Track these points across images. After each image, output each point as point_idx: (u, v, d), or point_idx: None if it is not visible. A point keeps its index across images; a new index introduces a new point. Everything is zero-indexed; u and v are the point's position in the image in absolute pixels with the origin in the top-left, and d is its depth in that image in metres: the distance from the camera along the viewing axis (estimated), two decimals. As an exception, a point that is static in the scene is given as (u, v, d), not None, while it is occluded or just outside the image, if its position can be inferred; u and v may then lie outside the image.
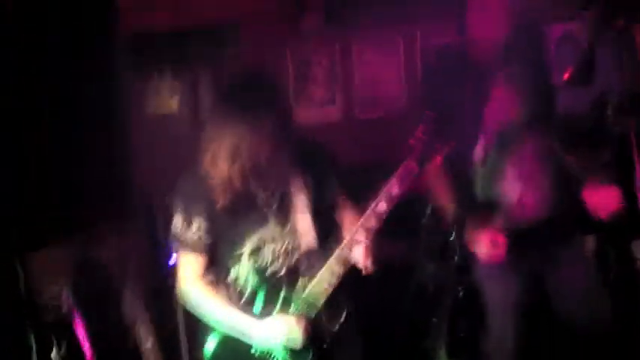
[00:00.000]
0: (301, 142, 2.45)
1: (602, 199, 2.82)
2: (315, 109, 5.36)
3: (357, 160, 4.15)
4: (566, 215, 3.00)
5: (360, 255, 2.42)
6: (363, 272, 2.45)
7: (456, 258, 3.95)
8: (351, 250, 2.41)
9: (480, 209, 3.02)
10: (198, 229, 2.45)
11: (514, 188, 2.95)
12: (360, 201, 2.52)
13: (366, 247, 2.40)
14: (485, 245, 2.94)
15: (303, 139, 2.47)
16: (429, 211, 4.15)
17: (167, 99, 5.19)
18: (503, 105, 2.90)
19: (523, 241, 2.94)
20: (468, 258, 3.09)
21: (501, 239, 2.92)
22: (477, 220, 3.00)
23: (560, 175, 3.00)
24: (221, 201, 2.40)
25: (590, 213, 2.85)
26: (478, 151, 2.97)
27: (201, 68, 5.16)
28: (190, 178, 2.46)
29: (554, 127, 3.05)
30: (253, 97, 2.34)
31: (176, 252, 2.54)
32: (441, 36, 5.40)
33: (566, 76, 5.25)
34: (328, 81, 5.36)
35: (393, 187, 2.40)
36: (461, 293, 3.99)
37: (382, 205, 2.40)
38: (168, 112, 5.17)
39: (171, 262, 3.10)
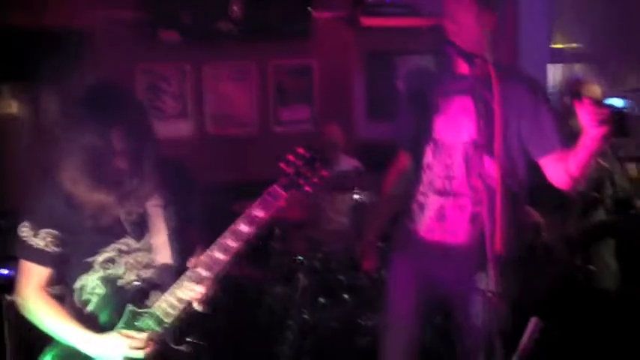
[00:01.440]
0: (160, 157, 2.37)
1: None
2: (166, 123, 5.26)
3: (209, 175, 4.08)
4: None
5: (198, 287, 2.35)
6: (196, 306, 2.39)
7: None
8: (202, 271, 2.34)
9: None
10: (45, 238, 2.33)
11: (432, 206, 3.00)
12: (217, 219, 2.47)
13: (206, 280, 2.34)
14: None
15: (163, 154, 2.39)
16: (278, 234, 4.17)
17: (7, 101, 4.95)
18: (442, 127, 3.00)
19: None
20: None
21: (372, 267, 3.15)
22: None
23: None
24: (75, 212, 2.30)
25: None
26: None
27: (46, 73, 4.93)
28: (42, 185, 2.35)
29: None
30: (109, 108, 2.25)
31: (19, 259, 2.38)
32: (294, 59, 5.52)
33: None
34: (180, 95, 5.29)
35: (257, 210, 2.35)
36: (306, 316, 4.04)
37: (244, 227, 2.34)
38: (8, 115, 4.93)
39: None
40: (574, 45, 5.85)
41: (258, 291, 4.25)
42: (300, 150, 2.40)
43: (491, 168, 2.79)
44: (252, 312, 4.23)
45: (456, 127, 2.93)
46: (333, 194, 4.49)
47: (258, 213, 2.34)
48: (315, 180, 2.40)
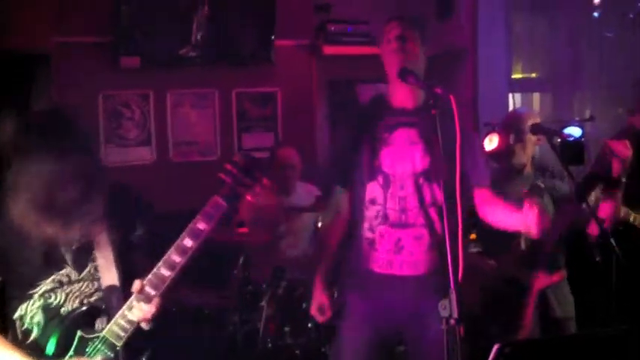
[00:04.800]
0: (109, 183, 2.35)
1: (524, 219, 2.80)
2: (128, 150, 5.23)
3: (172, 202, 4.07)
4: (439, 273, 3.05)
5: (147, 307, 2.33)
6: (143, 326, 2.36)
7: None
8: (150, 290, 2.32)
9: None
10: None
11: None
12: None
13: (154, 299, 2.33)
14: (314, 308, 3.13)
15: (110, 179, 2.37)
16: (241, 261, 4.15)
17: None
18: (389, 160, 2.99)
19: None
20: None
21: (327, 309, 3.09)
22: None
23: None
24: (17, 242, 2.26)
25: None
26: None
27: (6, 98, 4.87)
28: None
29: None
30: (55, 136, 2.23)
31: None
32: (257, 86, 5.54)
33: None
34: (143, 122, 5.26)
35: (199, 223, 2.32)
36: (269, 345, 4.02)
37: (187, 241, 2.31)
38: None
39: None
40: (532, 75, 5.95)
41: (221, 319, 4.22)
42: (236, 158, 2.38)
43: (440, 196, 2.86)
44: (213, 341, 4.19)
45: (404, 159, 2.96)
46: (294, 220, 4.49)
47: (201, 226, 2.31)
48: (258, 189, 2.40)
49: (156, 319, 2.36)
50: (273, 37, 5.30)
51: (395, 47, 2.96)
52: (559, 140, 3.51)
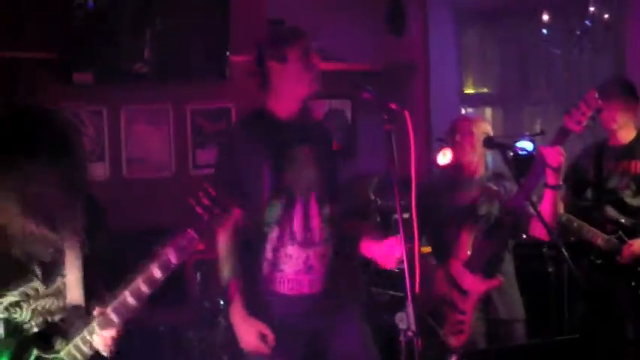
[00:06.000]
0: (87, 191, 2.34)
1: (387, 251, 2.94)
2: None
3: (126, 220, 4.03)
4: (340, 286, 3.10)
5: (108, 333, 2.30)
6: (104, 352, 2.33)
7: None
8: (114, 316, 2.29)
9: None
10: None
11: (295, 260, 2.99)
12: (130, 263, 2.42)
13: (117, 326, 2.30)
14: (251, 340, 2.94)
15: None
16: (198, 277, 4.13)
17: None
18: (291, 178, 2.97)
19: (299, 320, 2.99)
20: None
21: (269, 334, 2.93)
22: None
23: (338, 242, 3.10)
24: None
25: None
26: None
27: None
28: None
29: (335, 200, 3.15)
30: (39, 135, 2.20)
31: None
32: (212, 101, 5.52)
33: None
34: (97, 138, 5.20)
35: (171, 255, 2.28)
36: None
37: (157, 272, 2.28)
38: None
39: None
40: (484, 90, 6.05)
41: (177, 336, 4.19)
42: (210, 190, 2.34)
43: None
44: (169, 358, 4.16)
45: (305, 178, 3.00)
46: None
47: (173, 259, 2.28)
48: (226, 220, 2.39)
49: (116, 344, 2.33)
50: (227, 53, 5.29)
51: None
52: (511, 154, 3.59)
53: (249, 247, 3.00)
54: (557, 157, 3.15)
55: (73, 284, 2.34)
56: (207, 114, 5.56)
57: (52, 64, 4.96)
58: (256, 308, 2.97)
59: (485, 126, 3.74)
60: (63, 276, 2.34)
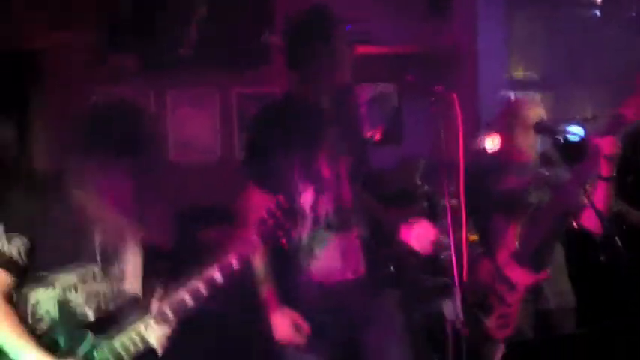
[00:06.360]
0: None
1: (418, 234, 2.90)
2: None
3: (173, 203, 4.05)
4: (376, 272, 3.06)
5: (162, 328, 2.32)
6: (156, 345, 2.34)
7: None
8: (169, 313, 2.31)
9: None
10: (19, 248, 2.28)
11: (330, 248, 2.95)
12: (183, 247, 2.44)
13: (171, 322, 2.32)
14: (285, 330, 2.86)
15: None
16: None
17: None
18: (323, 163, 2.92)
19: (333, 310, 2.92)
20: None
21: (303, 323, 2.85)
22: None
23: (372, 229, 3.05)
24: (56, 225, 2.28)
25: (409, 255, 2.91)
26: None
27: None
28: (25, 192, 2.32)
29: (368, 183, 3.11)
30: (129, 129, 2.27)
31: None
32: (257, 86, 5.51)
33: (377, 135, 5.49)
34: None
35: (233, 259, 2.32)
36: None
37: (218, 276, 2.31)
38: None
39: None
40: (532, 74, 5.93)
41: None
42: (281, 200, 2.36)
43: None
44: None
45: (337, 162, 2.93)
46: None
47: (234, 263, 2.31)
48: (294, 233, 2.39)
49: (169, 340, 2.35)
50: (271, 37, 5.28)
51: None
52: (561, 139, 3.50)
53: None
54: (611, 148, 3.05)
55: (131, 274, 2.39)
56: (252, 97, 5.56)
57: (99, 48, 5.00)
58: (290, 297, 2.91)
59: (539, 110, 3.58)
60: (122, 264, 2.37)
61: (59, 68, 4.92)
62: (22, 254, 2.28)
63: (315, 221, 2.89)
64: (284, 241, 2.37)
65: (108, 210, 2.27)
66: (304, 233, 2.89)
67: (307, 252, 2.90)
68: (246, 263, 2.34)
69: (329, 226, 2.90)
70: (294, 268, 2.91)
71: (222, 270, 2.30)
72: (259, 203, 2.79)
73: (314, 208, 2.89)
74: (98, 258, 2.34)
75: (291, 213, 2.36)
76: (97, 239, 2.34)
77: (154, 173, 2.31)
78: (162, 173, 2.36)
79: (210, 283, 2.30)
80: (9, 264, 2.28)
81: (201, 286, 2.30)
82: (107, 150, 2.22)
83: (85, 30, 4.95)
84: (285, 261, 2.90)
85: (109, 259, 2.36)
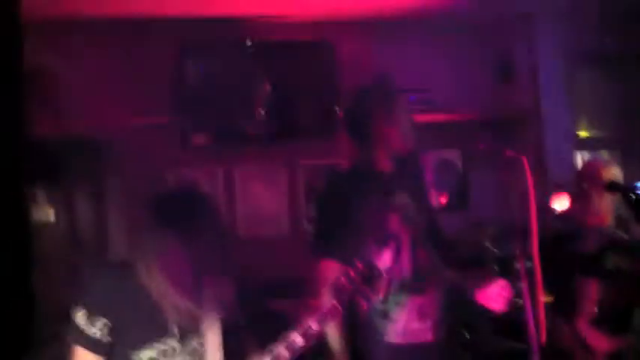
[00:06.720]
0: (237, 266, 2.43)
1: (495, 293, 2.88)
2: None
3: (243, 277, 4.10)
4: (452, 335, 3.05)
5: None
6: None
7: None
8: None
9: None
10: (102, 328, 2.35)
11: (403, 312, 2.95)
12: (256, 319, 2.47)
13: None
14: None
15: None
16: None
17: (43, 208, 5.03)
18: (397, 225, 2.95)
19: None
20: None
21: None
22: None
23: (446, 291, 3.05)
24: (133, 305, 2.35)
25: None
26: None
27: (79, 180, 5.04)
28: (104, 276, 2.41)
29: (439, 249, 3.12)
30: (196, 216, 2.33)
31: (72, 344, 2.40)
32: (324, 158, 5.58)
33: (443, 200, 5.48)
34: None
35: (314, 324, 2.36)
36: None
37: (299, 340, 2.35)
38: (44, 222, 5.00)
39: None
40: (599, 133, 5.89)
41: None
42: (360, 265, 2.40)
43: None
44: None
45: (408, 224, 2.96)
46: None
47: (314, 327, 2.36)
48: (373, 296, 2.42)
49: None
50: (337, 109, 5.35)
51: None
52: (633, 196, 3.44)
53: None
54: None
55: (212, 347, 2.42)
56: (320, 170, 5.63)
57: (170, 127, 5.15)
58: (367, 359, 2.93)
59: (614, 170, 3.55)
60: (200, 337, 2.42)
61: (136, 152, 5.07)
62: (106, 335, 2.35)
63: (392, 284, 2.91)
64: (365, 306, 2.39)
65: (174, 289, 2.32)
66: (381, 296, 2.90)
67: (382, 316, 2.91)
68: (325, 326, 2.37)
69: (406, 289, 2.91)
70: (371, 333, 2.92)
71: (303, 334, 2.34)
72: (333, 274, 2.88)
73: (390, 271, 2.91)
74: (176, 333, 2.40)
75: (370, 277, 2.39)
76: (172, 316, 2.39)
77: (219, 252, 2.37)
78: (228, 253, 2.41)
79: (293, 349, 2.34)
80: (94, 345, 2.35)
81: (284, 352, 2.34)
82: (172, 232, 2.29)
83: (158, 113, 5.11)
84: (362, 327, 2.92)
85: (187, 334, 2.41)
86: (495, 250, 4.40)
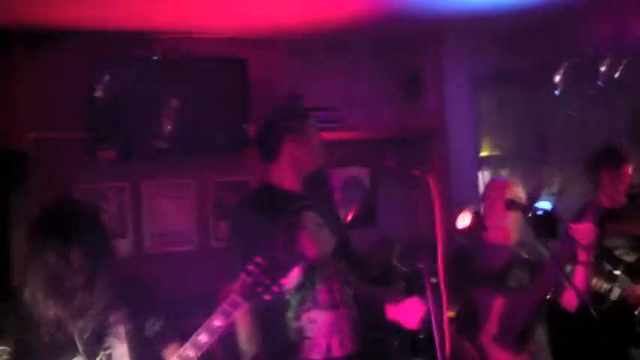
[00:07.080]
0: (119, 273, 2.42)
1: (408, 310, 2.96)
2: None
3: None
4: (363, 350, 3.09)
5: None
6: None
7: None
8: None
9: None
10: (1, 356, 2.32)
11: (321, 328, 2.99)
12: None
13: None
14: None
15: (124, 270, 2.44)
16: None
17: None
18: (307, 243, 2.98)
19: None
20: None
21: None
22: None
23: (358, 308, 3.11)
24: (32, 329, 2.33)
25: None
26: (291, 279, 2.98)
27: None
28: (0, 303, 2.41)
29: (351, 266, 3.18)
30: (66, 228, 2.32)
31: None
32: (232, 174, 5.57)
33: (349, 216, 5.55)
34: (119, 214, 5.26)
35: (216, 320, 2.40)
36: None
37: (203, 337, 2.39)
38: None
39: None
40: (499, 152, 6.05)
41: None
42: (258, 259, 2.45)
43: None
44: None
45: (319, 242, 3.03)
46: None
47: (218, 322, 2.40)
48: (275, 288, 2.46)
49: None
50: (247, 126, 5.35)
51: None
52: (529, 214, 3.56)
53: (272, 317, 3.00)
54: (588, 234, 3.14)
55: (118, 359, 2.41)
56: (228, 187, 5.61)
57: (76, 142, 5.05)
58: None
59: (517, 189, 3.62)
60: (106, 350, 2.41)
61: (44, 166, 4.94)
62: None
63: (304, 301, 2.94)
64: (267, 297, 2.45)
65: (54, 301, 2.31)
66: (293, 314, 2.95)
67: (298, 332, 2.96)
68: (229, 322, 2.41)
69: (318, 305, 2.95)
70: (287, 350, 2.97)
71: (208, 332, 2.38)
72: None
73: (302, 288, 2.95)
74: (80, 349, 2.37)
75: (269, 269, 2.44)
76: (75, 333, 2.37)
77: (102, 263, 2.36)
78: (112, 264, 2.40)
79: (198, 346, 2.38)
80: None
81: (190, 351, 2.38)
82: (57, 247, 2.28)
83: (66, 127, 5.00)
84: (278, 343, 2.97)
85: (91, 346, 2.39)
86: (403, 267, 4.49)
